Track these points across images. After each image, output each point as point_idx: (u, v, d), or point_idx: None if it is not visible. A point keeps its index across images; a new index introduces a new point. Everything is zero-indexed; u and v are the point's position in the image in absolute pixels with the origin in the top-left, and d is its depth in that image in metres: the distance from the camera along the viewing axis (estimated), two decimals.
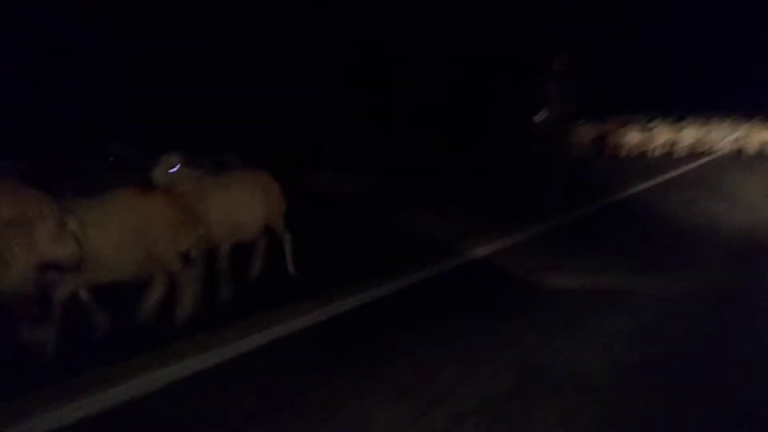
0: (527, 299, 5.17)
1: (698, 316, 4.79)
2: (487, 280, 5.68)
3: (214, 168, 5.24)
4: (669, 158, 16.44)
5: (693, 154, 17.76)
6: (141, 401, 3.37)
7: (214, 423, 3.19)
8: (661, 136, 17.79)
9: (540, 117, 9.03)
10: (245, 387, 3.55)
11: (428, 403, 3.37)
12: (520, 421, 3.22)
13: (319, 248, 6.33)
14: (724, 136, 19.01)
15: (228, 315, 4.51)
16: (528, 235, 7.33)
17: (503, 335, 4.35)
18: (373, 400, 3.41)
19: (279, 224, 5.40)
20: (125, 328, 4.16)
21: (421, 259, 5.99)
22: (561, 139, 9.21)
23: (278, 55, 11.16)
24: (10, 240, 3.58)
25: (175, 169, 4.70)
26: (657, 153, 17.37)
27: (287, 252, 5.46)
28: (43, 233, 3.65)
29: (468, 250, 6.45)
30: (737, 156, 17.46)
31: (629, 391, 3.57)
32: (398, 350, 4.07)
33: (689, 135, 18.40)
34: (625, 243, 7.24)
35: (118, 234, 3.97)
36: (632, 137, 17.22)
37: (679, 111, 19.19)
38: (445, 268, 5.89)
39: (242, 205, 4.95)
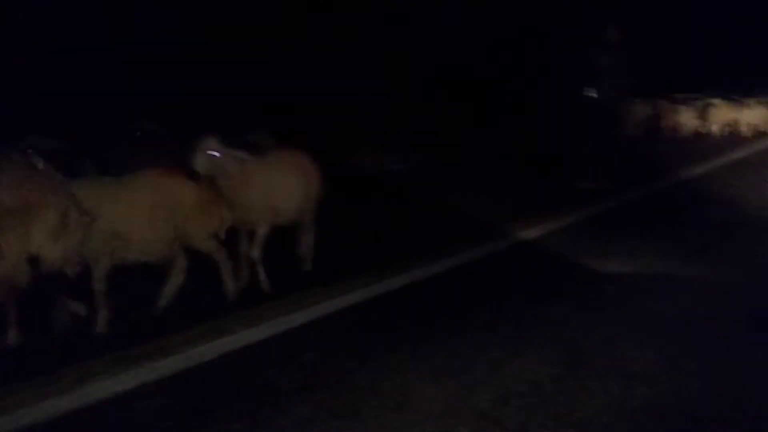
0: (577, 283, 5.08)
1: (754, 305, 4.63)
2: (536, 263, 5.61)
3: (248, 148, 4.86)
4: (729, 139, 15.77)
5: (755, 135, 16.98)
6: (191, 373, 3.46)
7: (261, 396, 3.25)
8: (721, 115, 17.04)
9: (592, 92, 8.72)
10: (291, 362, 3.61)
11: (472, 383, 3.37)
12: (565, 405, 3.18)
13: (365, 227, 6.35)
14: None
15: (277, 291, 4.59)
16: (579, 217, 7.18)
17: (551, 318, 4.30)
18: (417, 378, 3.42)
19: (311, 211, 5.08)
20: (175, 302, 4.27)
21: (469, 240, 5.95)
22: (615, 116, 8.88)
23: (322, 34, 11.10)
24: (7, 228, 3.41)
25: (214, 153, 4.44)
26: (716, 133, 16.68)
27: (306, 243, 5.10)
28: (42, 227, 3.52)
29: (517, 232, 6.37)
30: None
31: (679, 379, 3.48)
32: (444, 330, 4.07)
33: (751, 115, 17.56)
34: (680, 228, 7.01)
35: (146, 213, 4.00)
36: (690, 116, 16.56)
37: (740, 89, 18.31)
38: (493, 250, 5.85)
39: (283, 189, 4.82)
